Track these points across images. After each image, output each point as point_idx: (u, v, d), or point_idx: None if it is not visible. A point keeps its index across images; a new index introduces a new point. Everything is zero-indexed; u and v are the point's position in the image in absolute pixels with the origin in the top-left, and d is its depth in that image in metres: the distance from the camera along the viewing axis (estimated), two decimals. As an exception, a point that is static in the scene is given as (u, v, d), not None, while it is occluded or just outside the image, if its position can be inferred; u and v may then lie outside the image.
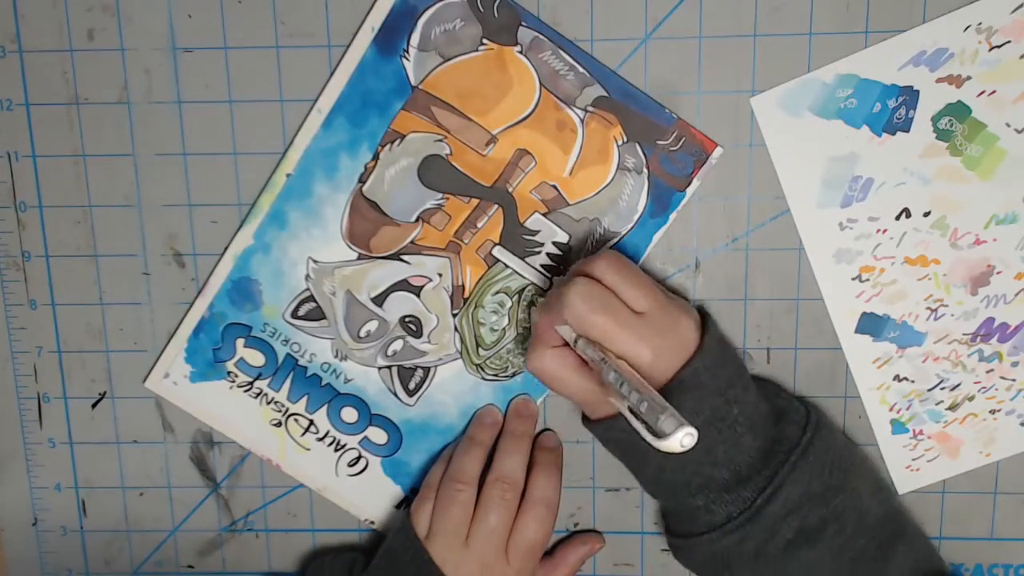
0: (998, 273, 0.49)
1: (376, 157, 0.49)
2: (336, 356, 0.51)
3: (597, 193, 0.49)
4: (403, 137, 0.48)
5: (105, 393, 0.53)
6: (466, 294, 0.50)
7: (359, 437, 0.53)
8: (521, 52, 0.47)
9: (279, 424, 0.52)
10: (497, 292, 0.50)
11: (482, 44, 0.47)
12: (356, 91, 0.48)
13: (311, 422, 0.52)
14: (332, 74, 0.48)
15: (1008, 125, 0.47)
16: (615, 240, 0.49)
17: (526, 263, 0.50)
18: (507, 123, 0.48)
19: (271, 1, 0.48)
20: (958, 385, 0.51)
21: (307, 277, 0.50)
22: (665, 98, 0.47)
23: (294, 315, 0.51)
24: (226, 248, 0.50)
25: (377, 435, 0.53)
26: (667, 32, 0.47)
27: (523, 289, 0.50)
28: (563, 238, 0.49)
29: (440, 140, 0.48)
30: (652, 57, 0.47)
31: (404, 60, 0.47)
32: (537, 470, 0.50)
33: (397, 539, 0.50)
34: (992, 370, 0.50)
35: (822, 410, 0.49)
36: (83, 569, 0.56)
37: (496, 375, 0.52)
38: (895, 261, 0.49)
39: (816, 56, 0.47)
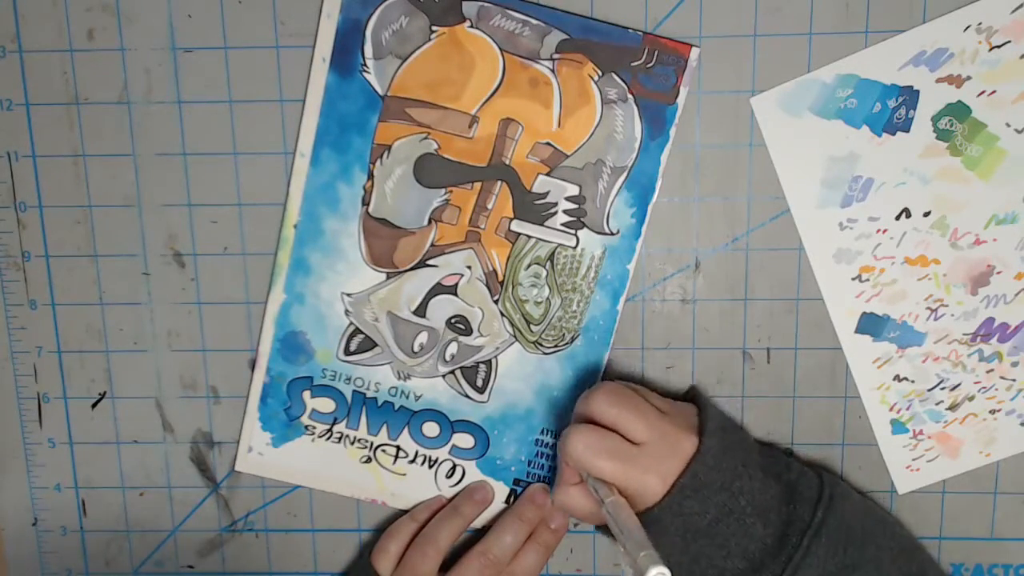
0: (998, 273, 0.49)
1: (371, 176, 0.49)
2: (399, 378, 0.52)
3: (591, 135, 0.48)
4: (389, 148, 0.48)
5: (105, 393, 0.53)
6: (500, 277, 0.50)
7: (447, 447, 0.53)
8: (472, 26, 0.47)
9: (369, 460, 0.53)
10: (529, 265, 0.50)
11: (432, 32, 0.47)
12: (330, 121, 0.48)
13: (398, 448, 0.53)
14: (302, 115, 0.48)
15: (1008, 125, 0.47)
16: (626, 174, 0.49)
17: (546, 227, 0.49)
18: (482, 99, 0.48)
19: (271, 1, 0.48)
20: (958, 385, 0.51)
21: (346, 312, 0.51)
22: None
23: (347, 352, 0.51)
24: (264, 311, 0.51)
25: (463, 440, 0.52)
26: (667, 32, 0.47)
27: (553, 254, 0.50)
28: (574, 191, 0.49)
29: (425, 138, 0.48)
30: (652, 57, 0.47)
31: (365, 74, 0.48)
32: (530, 545, 0.50)
33: None
34: (992, 370, 0.50)
35: (835, 476, 0.50)
36: (83, 569, 0.56)
37: (556, 346, 0.51)
38: (895, 261, 0.49)
39: (816, 56, 0.47)
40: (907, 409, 0.51)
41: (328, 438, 0.52)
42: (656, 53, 0.47)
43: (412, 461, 0.53)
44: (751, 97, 0.48)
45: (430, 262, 0.50)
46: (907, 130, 0.47)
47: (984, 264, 0.49)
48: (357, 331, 0.51)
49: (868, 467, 0.52)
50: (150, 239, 0.51)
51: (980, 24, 0.46)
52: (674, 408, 0.47)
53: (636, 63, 0.47)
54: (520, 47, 0.47)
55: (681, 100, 0.48)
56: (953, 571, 0.53)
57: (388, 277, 0.50)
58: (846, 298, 0.50)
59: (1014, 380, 0.50)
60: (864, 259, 0.49)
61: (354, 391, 0.52)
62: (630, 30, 0.47)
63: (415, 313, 0.51)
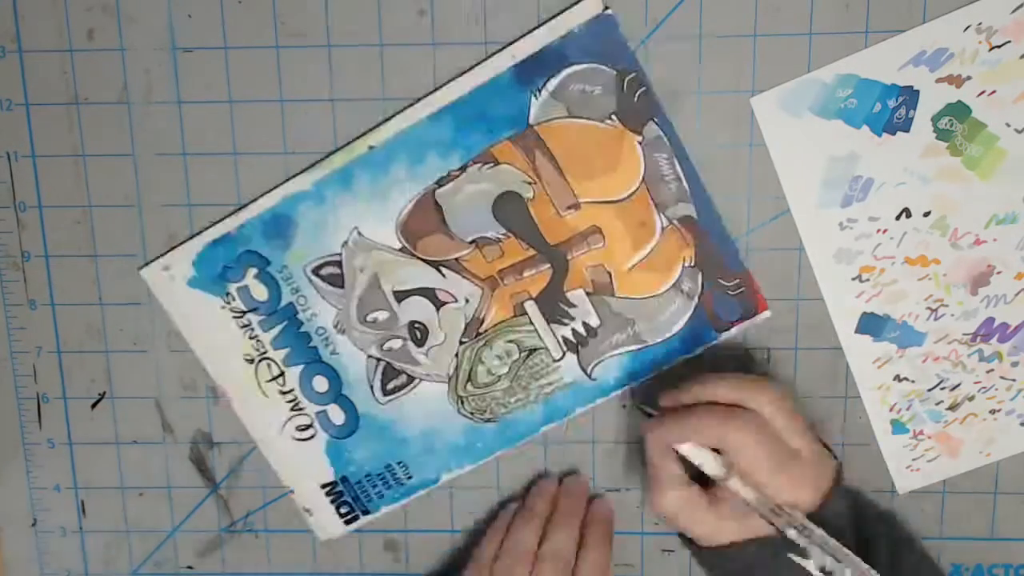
0: (998, 273, 0.49)
1: (463, 169, 0.48)
2: (335, 327, 0.51)
3: (644, 299, 0.50)
4: (496, 163, 0.48)
5: (105, 393, 0.53)
6: (482, 329, 0.50)
7: (319, 409, 0.52)
8: (641, 144, 0.48)
9: (251, 361, 0.52)
10: (510, 341, 0.50)
11: (610, 119, 0.47)
12: (475, 102, 0.48)
13: (282, 373, 0.52)
14: (457, 76, 0.48)
15: (1008, 125, 0.47)
16: (641, 347, 0.50)
17: (550, 328, 0.50)
18: (596, 198, 0.48)
19: (271, 1, 0.48)
20: (958, 385, 0.51)
21: (345, 243, 0.50)
22: (665, 98, 0.47)
23: (315, 271, 0.50)
24: (278, 185, 0.50)
25: (336, 414, 0.52)
26: (667, 32, 0.47)
27: (534, 349, 0.50)
28: (595, 322, 0.50)
29: (528, 183, 0.48)
30: (652, 57, 0.47)
31: (533, 97, 0.47)
32: (588, 543, 0.50)
33: None
34: (992, 370, 0.50)
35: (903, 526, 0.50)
36: (82, 569, 0.56)
37: (472, 414, 0.52)
38: (895, 261, 0.49)
39: (816, 56, 0.47)
40: (907, 409, 0.51)
41: (237, 318, 0.51)
42: (742, 289, 0.49)
43: (283, 393, 0.52)
44: (751, 97, 0.48)
45: (443, 269, 0.50)
46: (907, 130, 0.47)
47: (984, 264, 0.49)
48: (337, 264, 0.50)
49: (868, 467, 0.52)
50: (150, 239, 0.51)
51: (980, 24, 0.46)
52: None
53: (724, 282, 0.49)
54: (657, 192, 0.48)
55: (724, 337, 0.50)
56: (953, 571, 0.53)
57: (401, 249, 0.50)
58: (846, 298, 0.50)
59: (1014, 380, 0.50)
60: (864, 259, 0.49)
61: (291, 303, 0.51)
62: (740, 256, 0.49)
63: (394, 294, 0.50)
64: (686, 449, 0.43)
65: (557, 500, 0.51)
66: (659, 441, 0.44)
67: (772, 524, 0.41)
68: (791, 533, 0.40)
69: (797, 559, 0.41)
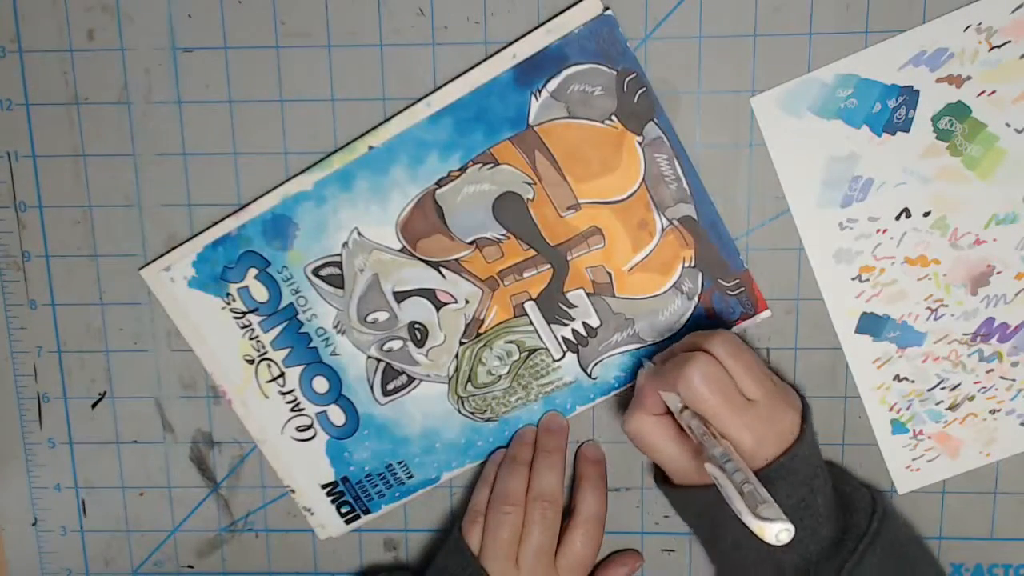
0: (998, 273, 0.49)
1: (463, 169, 0.48)
2: (335, 327, 0.51)
3: (644, 299, 0.50)
4: (496, 164, 0.48)
5: (105, 393, 0.53)
6: (482, 329, 0.50)
7: (319, 409, 0.52)
8: (641, 144, 0.48)
9: (251, 361, 0.52)
10: (510, 341, 0.50)
11: (610, 119, 0.47)
12: (475, 102, 0.48)
13: (282, 374, 0.52)
14: (456, 77, 0.47)
15: (1008, 125, 0.47)
16: (641, 347, 0.50)
17: (550, 329, 0.50)
18: (596, 199, 0.48)
19: (271, 1, 0.48)
20: (958, 385, 0.51)
21: (345, 244, 0.50)
22: (665, 98, 0.47)
23: (315, 272, 0.50)
24: (278, 185, 0.50)
25: (336, 415, 0.52)
26: (667, 32, 0.47)
27: (535, 350, 0.51)
28: (595, 322, 0.50)
29: (529, 183, 0.48)
30: (652, 57, 0.47)
31: (533, 98, 0.47)
32: (582, 484, 0.51)
33: (452, 559, 0.50)
34: (992, 370, 0.50)
35: (886, 497, 0.50)
36: (83, 569, 0.56)
37: (472, 413, 0.52)
38: (895, 261, 0.49)
39: (816, 56, 0.47)
40: (907, 409, 0.51)
41: (237, 318, 0.51)
42: (742, 289, 0.49)
43: (283, 394, 0.52)
44: (751, 97, 0.48)
45: (443, 270, 0.50)
46: (907, 130, 0.47)
47: (984, 264, 0.49)
48: (338, 264, 0.50)
49: (868, 467, 0.52)
50: (150, 239, 0.51)
51: (980, 24, 0.46)
52: (781, 384, 0.47)
53: (723, 282, 0.49)
54: (657, 192, 0.48)
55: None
56: (953, 571, 0.53)
57: (401, 250, 0.50)
58: (846, 298, 0.50)
59: (1014, 380, 0.50)
60: (864, 259, 0.49)
61: (291, 303, 0.51)
62: (740, 256, 0.49)
63: (394, 294, 0.50)
64: (667, 396, 0.45)
65: (536, 442, 0.52)
66: (644, 384, 0.46)
67: (705, 450, 0.42)
68: (716, 452, 0.41)
69: (713, 470, 0.40)
